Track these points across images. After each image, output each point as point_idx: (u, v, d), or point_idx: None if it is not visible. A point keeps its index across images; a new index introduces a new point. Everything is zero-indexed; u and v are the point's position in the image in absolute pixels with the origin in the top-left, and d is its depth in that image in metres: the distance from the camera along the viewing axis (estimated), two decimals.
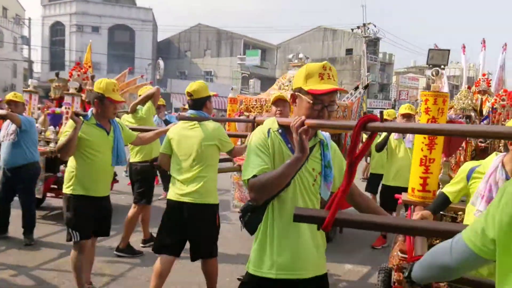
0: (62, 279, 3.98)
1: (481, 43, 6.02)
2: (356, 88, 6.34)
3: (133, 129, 4.11)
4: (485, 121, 3.92)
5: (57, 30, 37.64)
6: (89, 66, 6.45)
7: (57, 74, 6.74)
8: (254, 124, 3.73)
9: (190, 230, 3.35)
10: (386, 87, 43.44)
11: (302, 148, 1.72)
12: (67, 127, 3.41)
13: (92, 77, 6.36)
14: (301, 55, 5.80)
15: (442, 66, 4.64)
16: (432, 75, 3.30)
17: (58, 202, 6.52)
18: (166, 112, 9.00)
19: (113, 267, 4.36)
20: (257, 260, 1.94)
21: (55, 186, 6.00)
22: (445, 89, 7.37)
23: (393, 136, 5.07)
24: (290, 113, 4.26)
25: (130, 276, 4.20)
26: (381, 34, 34.97)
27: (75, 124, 3.32)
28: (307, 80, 1.88)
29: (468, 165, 2.63)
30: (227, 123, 6.43)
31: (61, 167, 6.12)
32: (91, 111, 3.53)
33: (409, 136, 4.94)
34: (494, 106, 3.99)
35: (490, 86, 4.98)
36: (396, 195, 3.69)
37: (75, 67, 6.28)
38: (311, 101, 1.86)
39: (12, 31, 35.21)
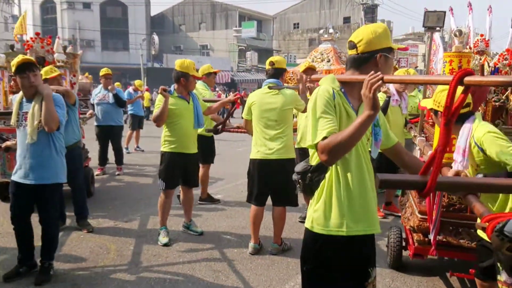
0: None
1: (468, 6, 5.83)
2: None
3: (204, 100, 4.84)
4: None
5: (48, 8, 36.76)
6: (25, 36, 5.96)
7: (11, 47, 6.06)
8: None
9: (274, 182, 3.97)
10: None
11: (374, 105, 1.69)
12: (158, 101, 4.23)
13: (64, 48, 6.04)
14: (331, 30, 6.30)
15: (438, 28, 4.47)
16: (455, 35, 3.14)
17: None
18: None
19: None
20: (323, 219, 1.93)
21: None
22: (440, 53, 7.19)
23: (391, 103, 4.91)
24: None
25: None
26: (379, 1, 34.34)
27: (165, 98, 4.11)
28: (390, 40, 1.93)
29: None
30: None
31: None
32: (173, 86, 4.32)
33: (403, 102, 5.09)
34: (497, 66, 3.97)
35: (488, 46, 4.94)
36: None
37: (34, 38, 5.78)
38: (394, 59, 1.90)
39: (2, 11, 34.38)
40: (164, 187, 4.35)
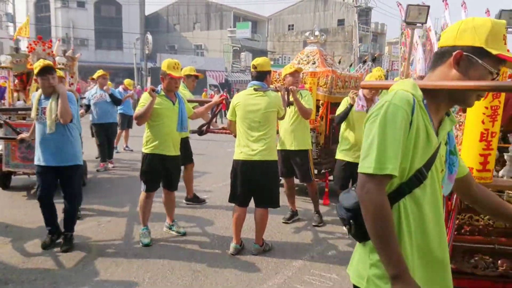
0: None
1: (443, 0, 5.82)
2: (365, 61, 7.07)
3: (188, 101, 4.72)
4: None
5: (42, 6, 36.51)
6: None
7: (16, 49, 6.62)
8: None
9: (257, 183, 3.97)
10: (379, 57, 43.10)
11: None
12: (143, 99, 4.18)
13: (64, 52, 6.35)
14: (317, 32, 6.16)
15: (420, 24, 4.14)
16: None
17: None
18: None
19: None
20: (386, 278, 1.37)
21: None
22: (419, 52, 6.88)
23: (355, 108, 4.59)
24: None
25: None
26: (373, 3, 34.58)
27: (151, 97, 4.07)
28: (491, 41, 1.32)
29: None
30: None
31: None
32: (160, 86, 4.29)
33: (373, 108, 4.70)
34: None
35: None
36: None
37: (37, 42, 6.07)
38: (496, 72, 1.34)
39: None
40: (145, 189, 4.34)
